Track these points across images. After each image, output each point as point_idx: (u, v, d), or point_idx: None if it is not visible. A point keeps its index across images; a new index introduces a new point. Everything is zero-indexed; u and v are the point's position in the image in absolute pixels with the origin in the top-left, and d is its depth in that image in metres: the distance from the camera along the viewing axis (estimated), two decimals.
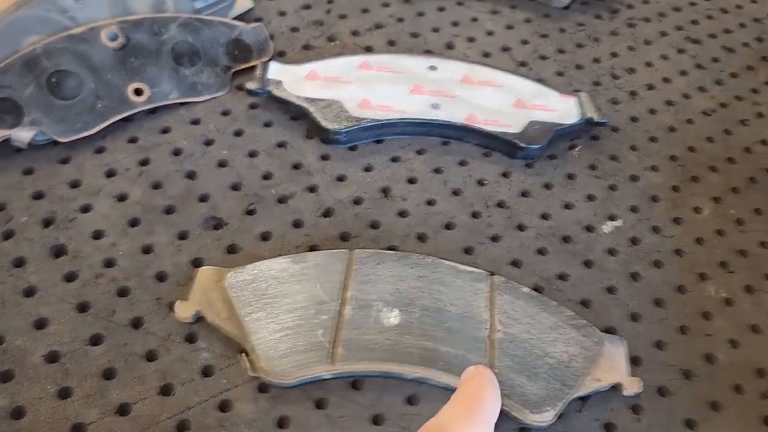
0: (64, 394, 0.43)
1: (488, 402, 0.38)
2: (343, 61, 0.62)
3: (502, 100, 0.61)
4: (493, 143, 0.60)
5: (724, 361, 0.50)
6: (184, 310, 0.47)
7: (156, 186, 0.54)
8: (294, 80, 0.59)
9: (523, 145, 0.58)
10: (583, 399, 0.47)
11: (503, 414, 0.44)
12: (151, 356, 0.46)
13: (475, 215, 0.56)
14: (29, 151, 0.54)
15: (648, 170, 0.61)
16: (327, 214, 0.54)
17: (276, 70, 0.60)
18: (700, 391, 0.48)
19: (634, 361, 0.49)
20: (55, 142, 0.55)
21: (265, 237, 0.52)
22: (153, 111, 0.59)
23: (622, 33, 0.73)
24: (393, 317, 0.47)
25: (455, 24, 0.71)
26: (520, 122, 0.59)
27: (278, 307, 0.46)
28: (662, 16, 0.76)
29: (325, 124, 0.57)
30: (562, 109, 0.61)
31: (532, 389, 0.45)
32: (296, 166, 0.57)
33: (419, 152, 0.59)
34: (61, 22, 0.56)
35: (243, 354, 0.45)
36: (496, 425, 0.44)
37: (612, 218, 0.57)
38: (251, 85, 0.58)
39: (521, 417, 0.44)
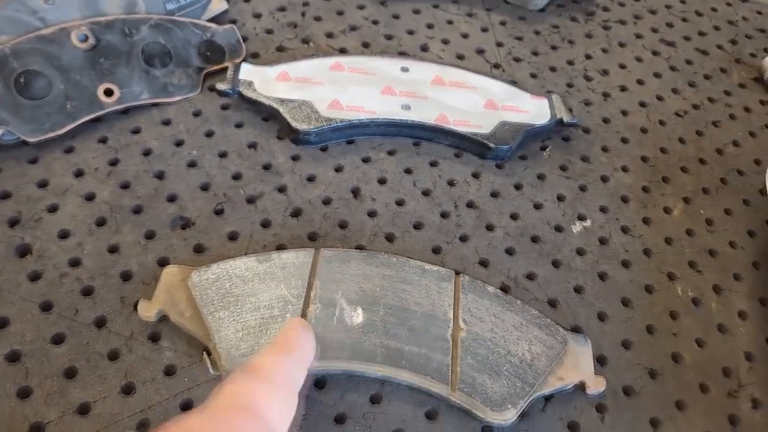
0: (24, 393, 0.43)
1: (294, 339, 0.40)
2: (315, 63, 0.62)
3: (473, 101, 0.61)
4: (463, 144, 0.60)
5: (690, 361, 0.50)
6: (147, 310, 0.46)
7: (125, 186, 0.54)
8: (265, 81, 0.59)
9: (492, 145, 0.58)
10: (547, 398, 0.47)
11: (465, 413, 0.45)
12: (113, 355, 0.45)
13: (444, 215, 0.56)
14: None
15: (618, 171, 0.61)
16: (296, 214, 0.54)
17: (247, 71, 0.60)
18: (666, 390, 0.48)
19: (600, 361, 0.49)
20: (24, 142, 0.54)
21: (232, 237, 0.52)
22: (124, 111, 0.59)
23: (597, 35, 0.73)
24: (357, 316, 0.47)
25: (430, 26, 0.71)
26: (491, 123, 0.60)
27: (242, 306, 0.46)
28: (637, 18, 0.76)
29: (295, 124, 0.57)
30: (533, 110, 0.61)
31: (494, 388, 0.45)
32: (266, 167, 0.57)
33: (390, 153, 0.60)
34: (31, 23, 0.56)
35: (205, 353, 0.45)
36: (459, 423, 0.44)
37: (581, 218, 0.57)
38: (222, 86, 0.58)
39: (482, 415, 0.44)
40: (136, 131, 0.58)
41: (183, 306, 0.47)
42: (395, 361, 0.46)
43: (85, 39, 0.57)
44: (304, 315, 0.46)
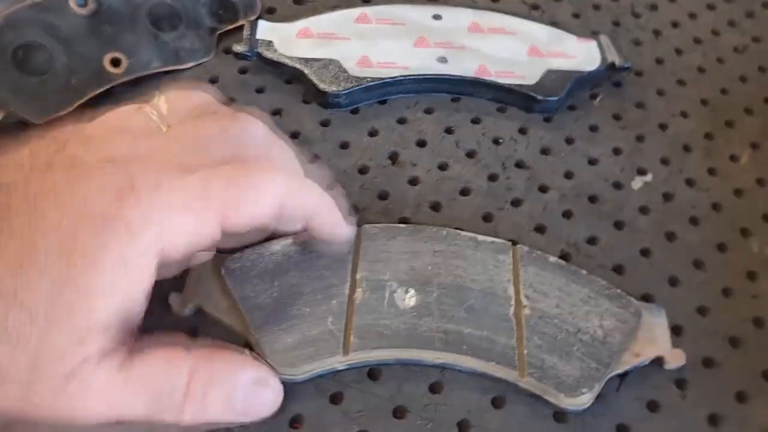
0: None
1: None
2: (338, 15, 0.56)
3: (515, 48, 0.55)
4: (507, 97, 0.55)
5: None
6: (180, 304, 0.42)
7: None
8: (286, 39, 0.54)
9: (540, 97, 0.53)
10: (622, 376, 0.43)
11: (535, 398, 0.41)
12: None
13: (492, 178, 0.51)
14: None
15: (677, 117, 0.56)
16: (329, 186, 0.49)
17: (265, 30, 0.54)
18: (750, 359, 0.44)
19: (675, 331, 0.45)
20: (30, 124, 0.50)
21: None
22: (134, 82, 0.53)
23: None
24: (409, 298, 0.43)
25: None
26: (536, 72, 0.54)
27: (282, 294, 0.42)
28: None
29: (322, 86, 0.52)
30: (581, 54, 0.56)
31: (566, 370, 0.41)
32: (294, 135, 0.52)
33: (427, 111, 0.54)
34: None
35: (247, 349, 0.41)
36: (530, 410, 0.41)
37: (641, 172, 0.52)
38: (239, 48, 0.53)
39: (555, 401, 0.40)
40: None
41: (218, 297, 0.43)
42: (455, 346, 0.41)
43: (85, 3, 0.51)
44: (351, 300, 0.42)
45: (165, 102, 0.41)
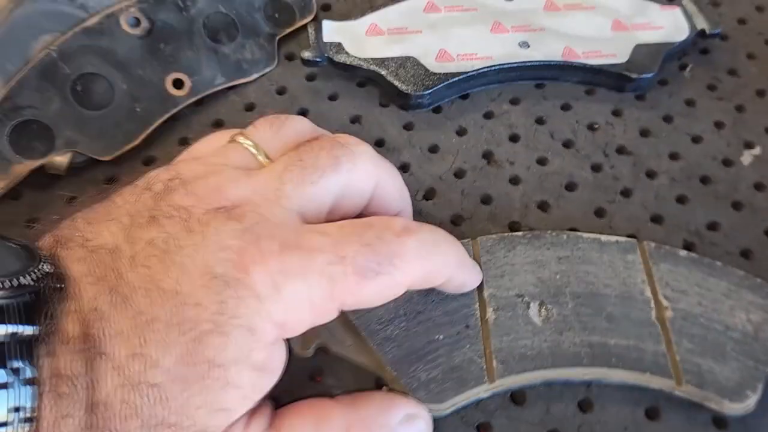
0: None
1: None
2: (405, 7, 0.52)
3: (598, 24, 0.52)
4: (595, 78, 0.51)
5: None
6: (301, 345, 0.39)
7: None
8: (354, 39, 0.50)
9: (633, 75, 0.50)
10: None
11: (691, 405, 0.38)
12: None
13: (595, 168, 0.48)
14: (69, 177, 0.45)
15: None
16: (429, 195, 0.46)
17: (331, 31, 0.50)
18: None
19: None
20: (98, 161, 0.46)
21: None
22: (198, 103, 0.50)
23: None
24: (543, 313, 0.40)
25: None
26: (625, 48, 0.51)
27: (410, 323, 0.39)
28: None
29: (402, 87, 0.48)
30: (668, 24, 0.52)
31: (724, 372, 0.38)
32: (378, 143, 0.48)
33: (513, 102, 0.51)
34: (72, 14, 0.46)
35: (383, 387, 0.38)
36: (686, 418, 0.38)
37: (749, 146, 0.49)
38: (307, 55, 0.49)
39: (718, 407, 0.38)
40: (219, 124, 0.49)
41: (341, 334, 0.39)
42: (604, 359, 0.39)
43: (137, 23, 0.47)
44: (483, 322, 0.39)
45: (257, 129, 0.37)
